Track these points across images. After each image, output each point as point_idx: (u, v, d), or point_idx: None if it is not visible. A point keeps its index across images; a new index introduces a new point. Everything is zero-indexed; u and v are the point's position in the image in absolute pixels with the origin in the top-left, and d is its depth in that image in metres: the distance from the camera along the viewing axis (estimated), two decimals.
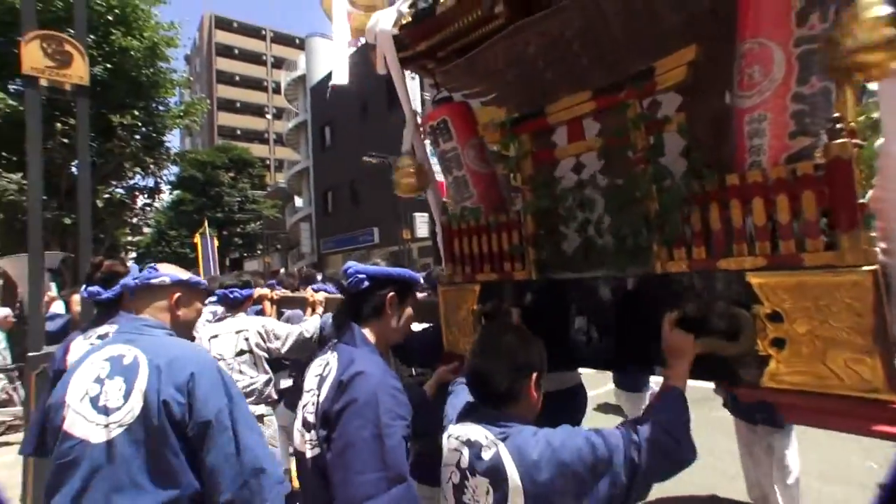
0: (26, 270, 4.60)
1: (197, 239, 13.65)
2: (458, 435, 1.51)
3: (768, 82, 1.41)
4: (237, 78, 50.50)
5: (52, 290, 4.15)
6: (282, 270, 27.71)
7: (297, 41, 52.21)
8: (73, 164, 11.11)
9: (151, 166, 14.20)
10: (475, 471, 1.40)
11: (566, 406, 2.56)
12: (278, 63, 49.52)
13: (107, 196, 13.26)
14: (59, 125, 10.12)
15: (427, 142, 2.63)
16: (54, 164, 10.67)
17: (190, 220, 27.39)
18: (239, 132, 48.71)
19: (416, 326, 2.80)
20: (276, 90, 48.97)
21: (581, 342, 1.94)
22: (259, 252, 32.11)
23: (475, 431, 1.46)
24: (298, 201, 35.14)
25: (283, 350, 3.35)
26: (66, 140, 10.37)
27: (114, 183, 13.82)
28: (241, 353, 3.29)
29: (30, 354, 3.36)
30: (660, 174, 1.61)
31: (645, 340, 1.66)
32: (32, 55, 3.29)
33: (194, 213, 28.16)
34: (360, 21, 2.50)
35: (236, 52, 50.41)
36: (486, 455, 1.38)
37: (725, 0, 1.53)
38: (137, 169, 13.89)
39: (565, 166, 2.04)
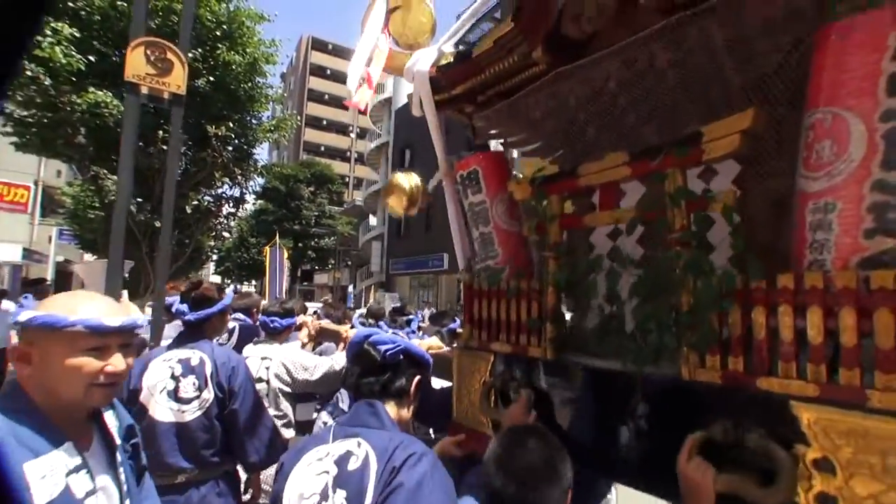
0: (99, 277, 4.64)
1: (266, 251, 14.16)
2: None
3: (842, 163, 1.11)
4: (326, 97, 52.62)
5: (124, 297, 4.09)
6: (350, 288, 28.29)
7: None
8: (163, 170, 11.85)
9: (239, 177, 14.56)
10: None
11: None
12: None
13: (195, 203, 13.80)
14: (161, 132, 10.44)
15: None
16: (152, 170, 11.10)
17: (269, 229, 28.52)
18: (323, 149, 50.59)
19: (437, 383, 2.60)
20: (360, 112, 50.84)
21: (589, 441, 1.66)
22: (330, 266, 33.00)
23: None
24: (372, 220, 35.81)
25: (313, 380, 3.22)
26: (165, 147, 10.96)
27: (203, 190, 14.30)
28: (258, 380, 3.19)
29: None
30: (697, 262, 1.33)
31: (657, 457, 1.36)
32: (136, 62, 3.35)
33: (274, 223, 29.39)
34: (400, 61, 2.37)
35: (328, 72, 52.59)
36: None
37: (800, 59, 1.26)
38: (226, 179, 14.26)
39: (598, 237, 1.78)
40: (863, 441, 1.01)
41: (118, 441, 1.32)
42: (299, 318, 3.71)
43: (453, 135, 2.46)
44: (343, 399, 3.15)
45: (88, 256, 20.06)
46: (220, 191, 15.27)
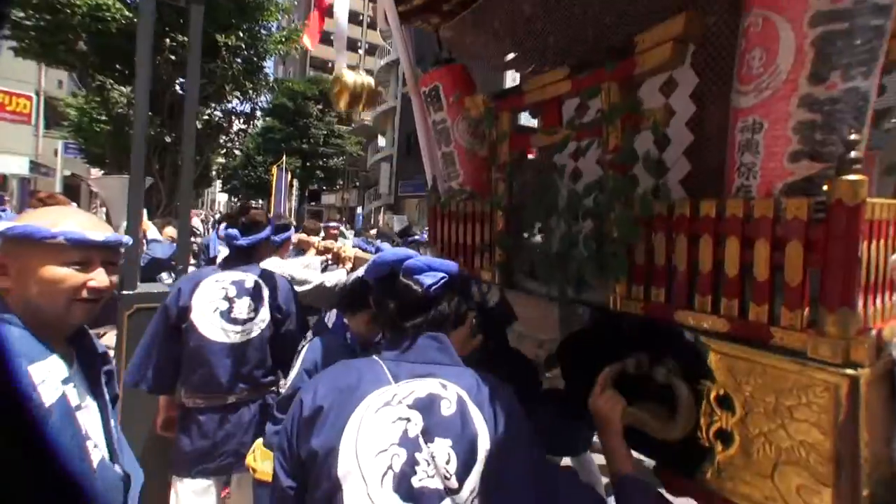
0: (118, 194, 4.38)
1: (273, 171, 14.08)
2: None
3: (768, 76, 0.99)
4: (274, 26, 50.39)
5: (143, 216, 3.96)
6: (359, 210, 28.22)
7: None
8: (177, 81, 11.11)
9: (250, 91, 13.87)
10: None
11: None
12: None
13: (205, 118, 13.23)
14: (167, 41, 9.81)
15: None
16: (160, 81, 10.49)
17: (277, 147, 28.03)
18: (330, 65, 48.85)
19: None
20: (371, 25, 48.65)
21: (535, 366, 1.65)
22: (338, 187, 32.82)
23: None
24: (381, 141, 35.10)
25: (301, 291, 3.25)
26: (173, 56, 10.09)
27: (213, 105, 13.62)
28: None
29: (124, 293, 2.88)
30: (621, 186, 1.24)
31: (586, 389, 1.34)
32: None
33: (281, 141, 28.87)
34: None
35: None
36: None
37: None
38: (237, 92, 13.53)
39: (562, 158, 1.68)
40: (762, 379, 0.97)
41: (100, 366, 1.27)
42: (296, 236, 3.71)
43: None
44: (330, 318, 3.14)
45: (95, 171, 19.85)
46: (229, 105, 14.64)
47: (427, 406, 1.09)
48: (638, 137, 1.29)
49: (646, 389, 1.20)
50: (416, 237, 6.19)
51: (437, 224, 2.12)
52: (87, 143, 16.78)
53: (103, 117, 12.25)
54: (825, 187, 0.94)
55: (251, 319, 2.41)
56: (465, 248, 1.94)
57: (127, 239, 1.27)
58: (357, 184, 35.45)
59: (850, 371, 0.85)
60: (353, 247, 3.88)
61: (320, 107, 31.74)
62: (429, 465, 1.03)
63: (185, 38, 9.28)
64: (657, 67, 1.22)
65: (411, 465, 1.03)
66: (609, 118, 1.30)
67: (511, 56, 2.23)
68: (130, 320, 2.94)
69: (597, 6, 1.71)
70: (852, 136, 0.89)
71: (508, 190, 1.72)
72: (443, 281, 1.24)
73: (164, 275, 4.33)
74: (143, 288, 3.09)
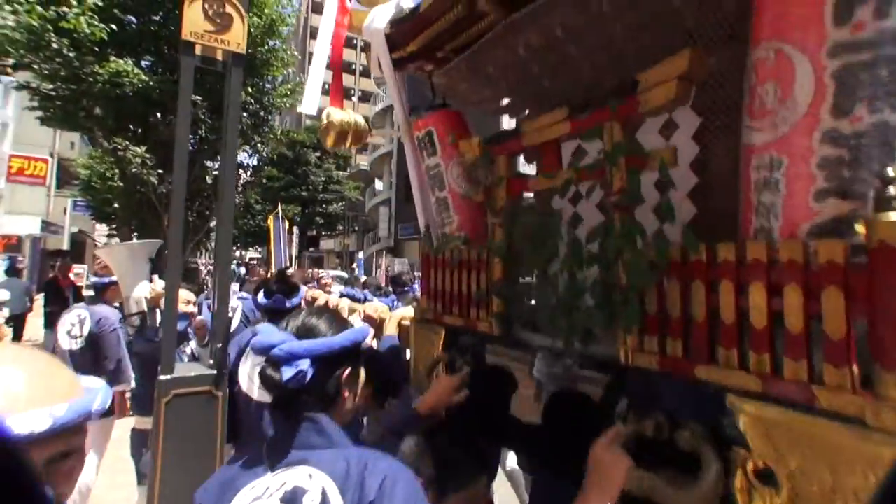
0: (128, 261, 4.12)
1: (270, 221, 14.08)
2: None
3: (785, 111, 0.91)
4: (280, 80, 51.57)
5: (157, 283, 3.65)
6: (360, 254, 28.20)
7: None
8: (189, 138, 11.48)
9: (259, 144, 14.16)
10: None
11: None
12: (367, 47, 50.74)
13: (216, 173, 13.17)
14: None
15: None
16: (174, 139, 10.84)
17: (276, 195, 28.35)
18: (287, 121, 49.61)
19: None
20: (363, 74, 49.90)
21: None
22: (338, 232, 32.96)
23: None
24: (378, 185, 35.44)
25: None
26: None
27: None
28: None
29: (161, 378, 2.52)
30: (630, 231, 1.15)
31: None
32: (193, 18, 2.80)
33: (281, 189, 29.24)
34: (360, 18, 2.20)
35: None
36: None
37: None
38: (246, 146, 13.79)
39: (559, 202, 1.60)
40: (809, 447, 0.85)
41: None
42: (308, 293, 3.61)
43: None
44: None
45: (101, 227, 20.09)
46: (238, 160, 15.03)
47: (290, 499, 1.04)
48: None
49: (655, 454, 1.08)
50: (408, 289, 5.98)
51: (431, 272, 2.03)
52: (95, 200, 17.10)
53: (116, 176, 12.45)
54: (858, 227, 0.85)
55: None
56: (460, 298, 1.84)
57: (87, 409, 0.80)
58: (356, 228, 35.60)
59: None
60: (342, 296, 3.79)
61: (318, 154, 32.28)
62: None
63: (199, 97, 9.77)
64: (661, 106, 1.15)
65: None
66: (612, 158, 1.23)
67: (506, 101, 2.19)
68: (168, 408, 2.55)
69: (593, 48, 1.67)
70: (890, 172, 0.80)
71: (507, 236, 1.63)
72: (299, 375, 1.17)
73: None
74: (180, 370, 2.63)
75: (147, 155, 10.07)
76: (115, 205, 13.31)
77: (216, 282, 2.88)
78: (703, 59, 1.08)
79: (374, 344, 2.73)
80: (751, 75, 0.99)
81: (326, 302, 3.54)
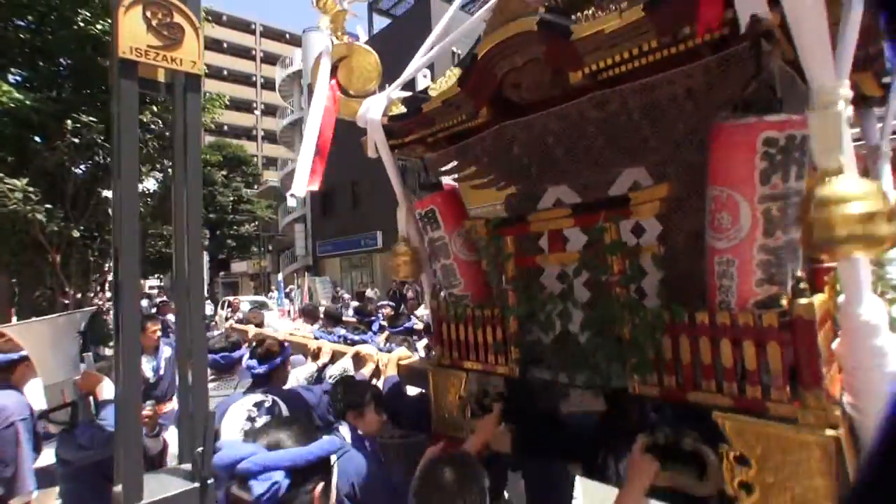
0: (49, 341, 2.81)
1: None
2: None
3: (734, 231, 1.46)
4: (225, 72, 49.62)
5: (89, 361, 2.81)
6: (279, 275, 27.24)
7: (288, 36, 51.81)
8: (78, 167, 9.71)
9: (169, 168, 12.35)
10: None
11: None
12: (267, 58, 49.28)
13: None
14: (69, 122, 8.54)
15: None
16: (62, 167, 9.20)
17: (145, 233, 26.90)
18: (226, 128, 47.61)
19: (412, 391, 2.92)
20: (265, 85, 48.63)
21: (559, 440, 2.02)
22: (253, 253, 31.88)
23: None
24: (291, 201, 34.77)
25: None
26: (76, 139, 8.76)
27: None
28: None
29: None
30: (634, 305, 1.68)
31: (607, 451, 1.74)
32: (132, 29, 2.20)
33: None
34: (352, 108, 2.54)
35: (225, 45, 49.76)
36: None
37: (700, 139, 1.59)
38: (155, 172, 11.66)
39: (550, 273, 2.10)
40: (766, 441, 1.40)
41: None
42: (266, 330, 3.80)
43: None
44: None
45: None
46: (142, 185, 12.24)
47: None
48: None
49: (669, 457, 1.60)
50: (373, 318, 5.79)
51: (443, 326, 2.45)
52: None
53: None
54: (784, 302, 1.41)
55: None
56: (476, 347, 2.29)
57: None
58: (270, 248, 34.57)
59: (833, 433, 1.29)
60: (316, 338, 4.09)
61: (225, 172, 30.99)
62: None
63: (91, 118, 8.47)
64: (646, 215, 1.68)
65: None
66: (612, 251, 1.74)
67: (490, 177, 2.66)
68: None
69: (574, 146, 2.18)
70: (798, 274, 1.37)
71: (518, 299, 2.11)
72: (274, 488, 1.11)
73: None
74: (150, 487, 1.90)
75: (30, 189, 8.22)
76: None
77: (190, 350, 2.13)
78: (675, 187, 1.61)
79: (380, 383, 3.11)
80: (711, 203, 1.53)
81: (306, 345, 3.86)
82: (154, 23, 2.23)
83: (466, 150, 2.35)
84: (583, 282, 1.97)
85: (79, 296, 10.38)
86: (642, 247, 1.73)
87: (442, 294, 2.50)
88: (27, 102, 8.13)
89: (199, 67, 2.34)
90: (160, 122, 10.45)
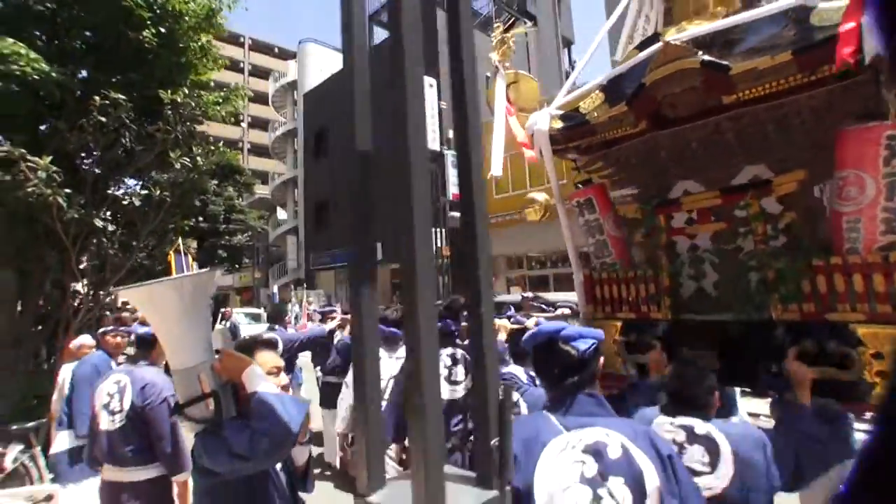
0: (179, 307, 1.97)
1: (171, 257, 11.72)
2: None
3: (862, 198, 2.21)
4: (212, 84, 49.66)
5: (224, 336, 2.17)
6: (274, 288, 26.84)
7: (276, 50, 52.19)
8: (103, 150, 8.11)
9: (199, 158, 9.55)
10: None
11: None
12: (255, 71, 49.48)
13: (145, 192, 9.15)
14: (98, 98, 7.43)
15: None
16: (84, 148, 7.98)
17: (164, 228, 26.53)
18: (212, 139, 47.48)
19: None
20: (252, 99, 48.81)
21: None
22: (246, 265, 31.42)
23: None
24: (282, 213, 34.69)
25: None
26: (103, 118, 7.56)
27: (156, 175, 9.61)
28: None
29: None
30: (779, 253, 2.43)
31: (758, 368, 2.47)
32: None
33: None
34: (521, 120, 3.26)
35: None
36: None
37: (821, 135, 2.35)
38: (185, 159, 9.16)
39: (682, 244, 2.85)
40: (889, 341, 2.13)
41: None
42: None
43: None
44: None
45: None
46: (166, 176, 9.71)
47: (596, 451, 1.38)
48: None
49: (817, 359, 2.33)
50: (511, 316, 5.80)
51: (595, 287, 3.17)
52: None
53: None
54: None
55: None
56: (628, 301, 3.01)
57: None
58: (260, 261, 34.01)
59: None
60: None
61: (216, 181, 30.47)
62: (612, 498, 1.33)
63: (119, 96, 7.42)
64: (783, 195, 2.44)
65: (597, 499, 1.34)
66: (756, 219, 2.49)
67: (623, 175, 3.39)
68: None
69: (711, 148, 2.92)
70: None
71: (668, 261, 2.84)
72: (593, 346, 1.56)
73: None
74: None
75: (53, 167, 6.97)
76: None
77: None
78: (809, 174, 2.37)
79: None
80: (839, 182, 2.27)
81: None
82: None
83: (619, 153, 3.09)
84: (717, 247, 2.70)
85: (90, 294, 8.78)
86: (781, 215, 2.48)
87: (594, 263, 3.22)
88: (53, 75, 7.13)
89: None
90: (192, 104, 9.04)
